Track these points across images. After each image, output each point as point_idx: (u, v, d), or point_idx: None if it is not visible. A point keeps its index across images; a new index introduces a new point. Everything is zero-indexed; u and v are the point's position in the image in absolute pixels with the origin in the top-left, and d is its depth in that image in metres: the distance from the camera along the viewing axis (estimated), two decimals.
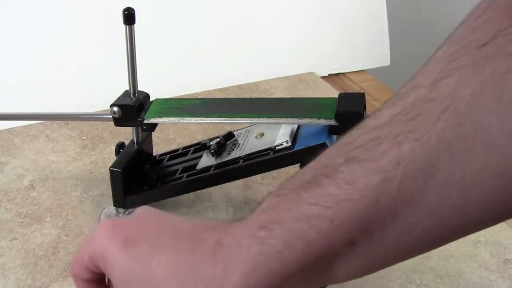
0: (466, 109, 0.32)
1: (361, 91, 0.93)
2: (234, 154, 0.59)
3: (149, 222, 0.40)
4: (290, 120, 0.56)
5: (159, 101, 0.62)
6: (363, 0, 1.03)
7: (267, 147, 0.57)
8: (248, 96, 0.89)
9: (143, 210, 0.42)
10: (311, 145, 0.54)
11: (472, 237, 0.61)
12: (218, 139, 0.61)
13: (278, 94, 0.91)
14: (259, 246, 0.34)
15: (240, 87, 0.92)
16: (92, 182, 0.70)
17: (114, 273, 0.38)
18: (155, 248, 0.37)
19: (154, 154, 0.67)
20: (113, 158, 0.63)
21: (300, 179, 0.36)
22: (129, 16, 0.57)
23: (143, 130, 0.61)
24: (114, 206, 0.63)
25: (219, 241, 0.36)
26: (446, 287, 0.57)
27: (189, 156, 0.65)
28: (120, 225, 0.40)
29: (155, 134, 0.72)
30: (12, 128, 0.78)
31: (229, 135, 0.62)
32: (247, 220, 0.36)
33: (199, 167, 0.61)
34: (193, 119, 0.59)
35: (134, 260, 0.37)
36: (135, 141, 0.63)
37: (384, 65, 1.05)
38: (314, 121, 0.55)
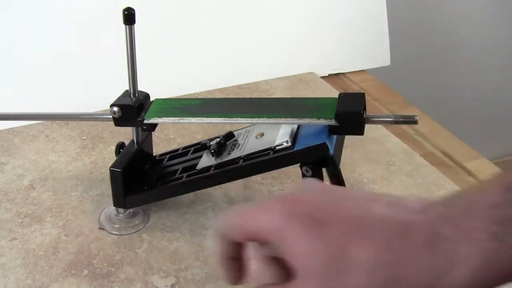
0: None
1: (361, 91, 0.93)
2: (234, 154, 0.59)
3: (334, 201, 0.37)
4: (290, 120, 0.56)
5: (159, 101, 0.62)
6: (363, 0, 1.03)
7: (267, 147, 0.57)
8: (248, 96, 0.89)
9: (319, 186, 0.39)
10: (311, 145, 0.54)
11: None
12: (218, 139, 0.61)
13: (278, 94, 0.91)
14: (494, 243, 0.32)
15: (240, 87, 0.92)
16: (92, 182, 0.70)
17: (297, 255, 0.35)
18: (352, 231, 0.34)
19: (154, 154, 0.67)
20: (113, 158, 0.63)
21: None
22: (129, 16, 0.57)
23: (143, 130, 0.61)
24: (114, 206, 0.63)
25: (437, 231, 0.33)
26: None
27: (189, 156, 0.65)
28: (301, 202, 0.36)
29: (155, 134, 0.72)
30: (12, 128, 0.78)
31: (229, 135, 0.62)
32: (473, 213, 0.33)
33: (199, 167, 0.61)
34: (193, 119, 0.59)
35: (326, 243, 0.34)
36: (135, 141, 0.63)
37: (384, 65, 1.05)
38: (314, 121, 0.55)
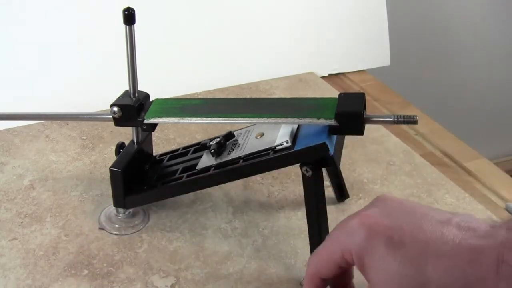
0: None
1: (361, 91, 0.93)
2: (234, 154, 0.59)
3: (411, 222, 0.39)
4: (290, 120, 0.56)
5: (159, 101, 0.62)
6: (363, 0, 1.03)
7: (267, 147, 0.57)
8: (248, 96, 0.89)
9: (394, 203, 0.42)
10: (311, 145, 0.54)
11: None
12: (218, 139, 0.61)
13: (278, 94, 0.91)
14: None
15: (240, 87, 0.92)
16: (92, 182, 0.70)
17: (377, 273, 0.39)
18: (427, 252, 0.37)
19: (154, 154, 0.67)
20: (113, 158, 0.63)
21: None
22: (129, 16, 0.57)
23: (143, 130, 0.61)
24: (114, 206, 0.63)
25: (502, 258, 0.35)
26: None
27: (189, 156, 0.65)
28: (380, 223, 0.40)
29: (155, 134, 0.72)
30: (12, 128, 0.78)
31: (229, 135, 0.62)
32: None
33: (199, 167, 0.61)
34: (193, 119, 0.59)
35: (404, 263, 0.37)
36: (135, 141, 0.63)
37: (384, 65, 1.05)
38: (314, 121, 0.55)
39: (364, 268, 0.40)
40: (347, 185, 0.68)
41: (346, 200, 0.68)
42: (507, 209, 0.70)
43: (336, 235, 0.42)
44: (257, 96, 0.89)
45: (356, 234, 0.40)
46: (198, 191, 0.67)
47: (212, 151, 0.60)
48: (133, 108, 0.60)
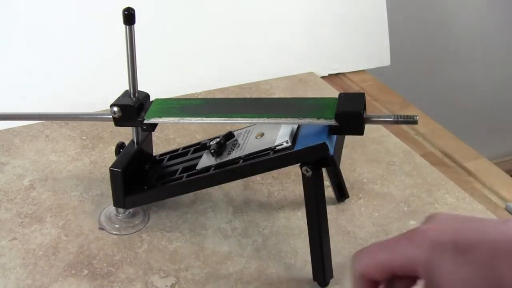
0: None
1: (361, 91, 0.93)
2: (234, 154, 0.59)
3: (472, 227, 0.39)
4: (290, 120, 0.56)
5: (159, 101, 0.62)
6: (363, 0, 1.03)
7: (267, 147, 0.57)
8: (248, 96, 0.89)
9: (448, 215, 0.41)
10: (311, 145, 0.54)
11: None
12: (218, 139, 0.61)
13: (278, 94, 0.91)
14: None
15: (240, 87, 0.92)
16: (92, 182, 0.70)
17: (447, 281, 0.38)
18: (496, 252, 0.37)
19: (154, 154, 0.67)
20: (113, 158, 0.63)
21: None
22: (129, 16, 0.57)
23: (143, 130, 0.61)
24: (114, 206, 0.63)
25: None
26: None
27: (189, 156, 0.65)
28: (444, 231, 0.39)
29: (155, 134, 0.72)
30: (12, 128, 0.78)
31: (229, 135, 0.62)
32: None
33: (199, 167, 0.61)
34: (193, 119, 0.59)
35: (476, 267, 0.37)
36: (135, 141, 0.63)
37: (384, 65, 1.05)
38: (314, 121, 0.55)
39: (435, 279, 0.39)
40: (347, 185, 0.68)
41: (346, 200, 0.68)
42: (507, 209, 0.70)
43: (395, 244, 0.41)
44: (257, 96, 0.89)
45: (419, 247, 0.39)
46: (198, 191, 0.67)
47: (212, 151, 0.60)
48: (133, 108, 0.60)
